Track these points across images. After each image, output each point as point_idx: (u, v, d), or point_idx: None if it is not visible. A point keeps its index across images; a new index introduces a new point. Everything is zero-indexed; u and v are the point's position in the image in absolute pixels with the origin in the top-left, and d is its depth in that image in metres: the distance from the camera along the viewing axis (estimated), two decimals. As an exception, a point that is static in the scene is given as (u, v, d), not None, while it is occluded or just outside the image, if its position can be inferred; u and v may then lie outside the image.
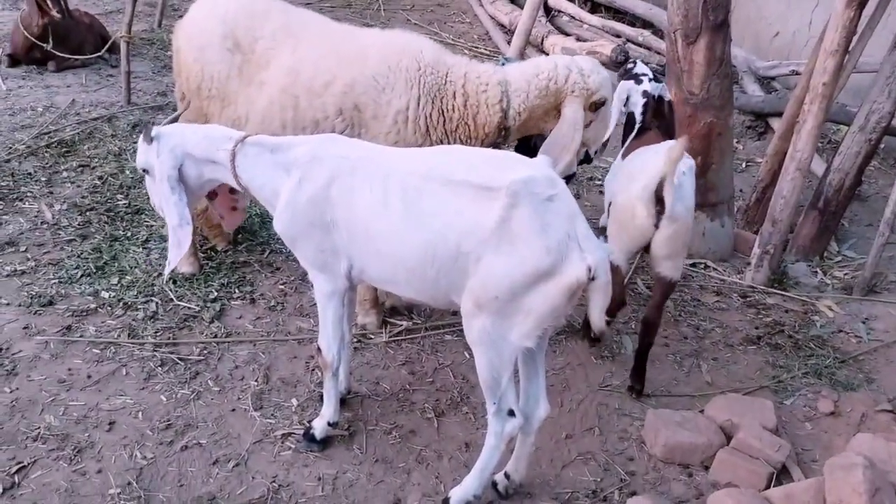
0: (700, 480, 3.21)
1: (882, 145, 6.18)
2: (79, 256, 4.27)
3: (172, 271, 4.16)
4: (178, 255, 2.97)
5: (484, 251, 2.55)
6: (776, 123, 6.10)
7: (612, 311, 3.53)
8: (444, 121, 3.58)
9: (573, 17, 9.53)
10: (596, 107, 3.66)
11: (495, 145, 3.70)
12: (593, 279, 2.50)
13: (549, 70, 3.58)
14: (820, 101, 4.43)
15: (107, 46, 7.02)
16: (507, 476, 3.05)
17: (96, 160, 5.37)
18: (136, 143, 5.61)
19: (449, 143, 3.60)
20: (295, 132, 3.55)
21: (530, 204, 2.49)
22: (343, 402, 3.42)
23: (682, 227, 3.39)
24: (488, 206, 2.52)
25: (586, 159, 3.89)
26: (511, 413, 2.81)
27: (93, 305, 3.91)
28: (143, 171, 3.08)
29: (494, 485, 3.06)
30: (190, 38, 3.78)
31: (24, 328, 3.71)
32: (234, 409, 3.39)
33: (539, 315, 2.56)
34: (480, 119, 3.58)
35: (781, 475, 3.19)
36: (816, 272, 4.93)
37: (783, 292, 4.66)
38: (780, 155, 4.99)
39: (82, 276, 4.12)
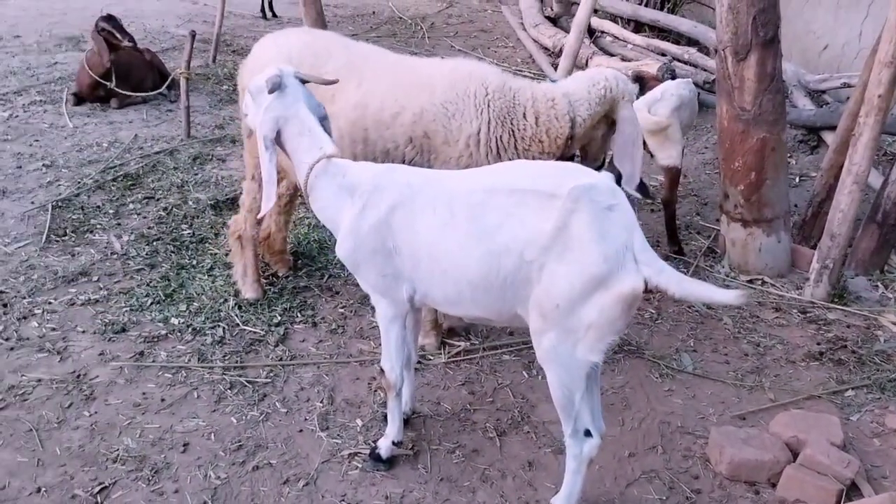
0: (767, 498, 3.18)
1: (941, 156, 6.09)
2: (148, 285, 4.44)
3: (237, 294, 4.33)
4: (266, 206, 3.03)
5: (546, 258, 2.59)
6: (829, 137, 6.04)
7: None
8: (516, 141, 3.71)
9: (617, 38, 9.59)
10: None
11: (566, 158, 3.84)
12: (651, 290, 2.53)
13: (602, 80, 3.79)
14: (876, 113, 4.39)
15: (167, 83, 7.30)
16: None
17: (160, 192, 5.58)
18: (196, 174, 5.87)
19: (522, 159, 3.72)
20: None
21: (590, 211, 2.53)
22: (406, 422, 3.48)
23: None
24: (549, 213, 2.57)
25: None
26: (588, 433, 2.83)
27: (163, 331, 4.06)
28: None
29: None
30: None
31: (100, 354, 3.87)
32: (301, 430, 3.48)
33: (599, 327, 2.58)
34: (553, 132, 3.73)
35: (851, 492, 3.14)
36: (877, 286, 4.85)
37: (844, 307, 4.60)
38: (835, 169, 4.95)
39: (152, 303, 4.28)
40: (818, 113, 6.93)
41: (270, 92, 2.99)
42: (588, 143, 4.02)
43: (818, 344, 4.25)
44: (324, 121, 3.11)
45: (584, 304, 2.57)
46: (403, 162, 3.66)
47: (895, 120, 6.07)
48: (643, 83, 5.72)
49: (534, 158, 3.75)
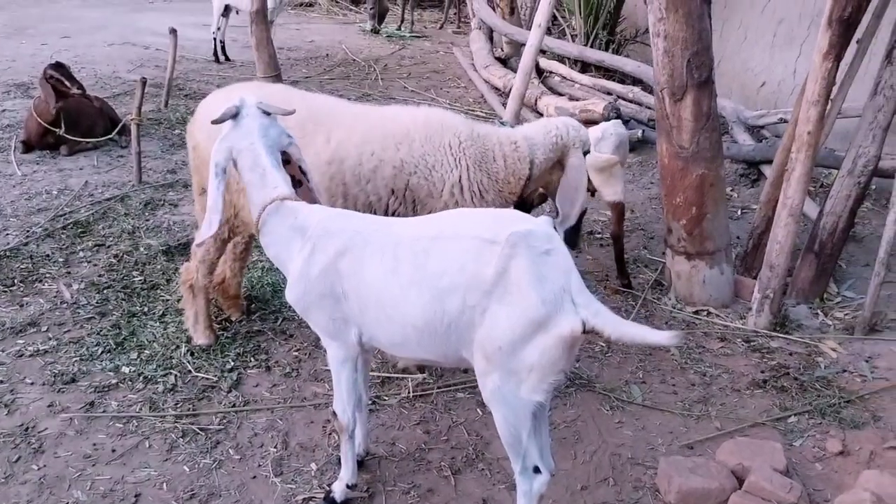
0: (715, 525, 3.27)
1: (873, 186, 6.36)
2: (98, 333, 4.40)
3: (189, 340, 4.30)
4: (205, 233, 3.03)
5: (488, 303, 2.65)
6: (768, 170, 6.27)
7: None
8: (493, 182, 3.97)
9: (565, 78, 9.87)
10: (584, 154, 4.28)
11: (521, 200, 4.14)
12: (589, 332, 2.59)
13: (554, 128, 4.13)
14: (806, 149, 4.60)
15: (117, 129, 7.28)
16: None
17: (111, 239, 5.55)
18: (148, 220, 5.85)
19: (499, 200, 3.98)
20: None
21: (528, 256, 2.60)
22: (361, 464, 3.50)
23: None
24: (489, 258, 2.64)
25: None
26: (536, 470, 2.87)
27: (114, 381, 4.02)
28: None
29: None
30: (210, 134, 3.72)
31: (49, 406, 3.81)
32: (255, 477, 3.46)
33: (541, 368, 2.64)
34: (517, 173, 4.01)
35: (795, 516, 3.24)
36: (817, 314, 5.03)
37: (786, 335, 4.76)
38: (772, 202, 5.15)
39: (103, 352, 4.23)
40: (757, 148, 7.21)
41: (222, 121, 3.03)
42: (546, 186, 4.29)
43: (762, 372, 4.39)
44: (290, 147, 3.14)
45: (526, 346, 2.63)
46: (386, 213, 3.76)
47: (828, 154, 6.36)
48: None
49: (505, 199, 4.00)
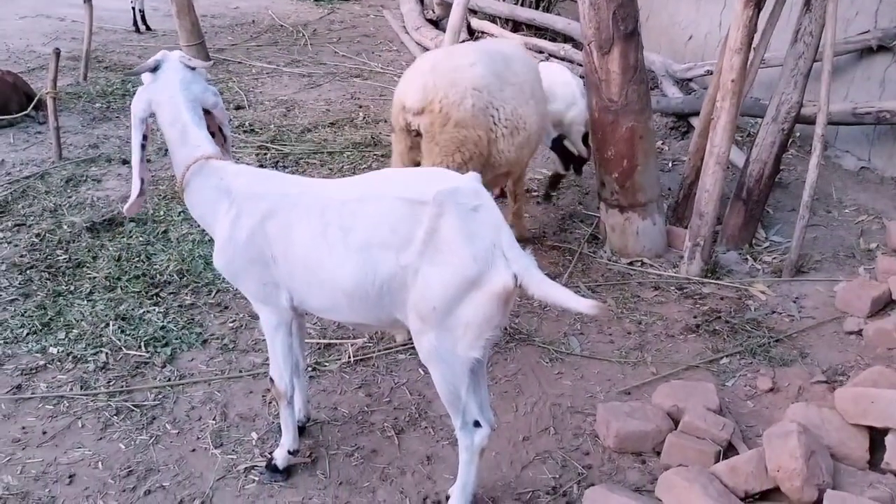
0: (653, 466, 3.35)
1: (797, 133, 6.54)
2: (23, 315, 4.23)
3: (118, 318, 4.17)
4: (132, 197, 3.00)
5: (420, 263, 2.63)
6: (696, 122, 6.37)
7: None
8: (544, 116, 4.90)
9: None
10: None
11: None
12: (520, 286, 2.59)
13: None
14: (731, 97, 4.68)
15: (33, 104, 6.96)
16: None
17: (32, 218, 5.33)
18: (70, 197, 5.63)
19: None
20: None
21: (456, 213, 2.58)
22: (303, 431, 3.47)
23: None
24: (418, 219, 2.61)
25: None
26: (477, 424, 2.88)
27: (42, 362, 3.89)
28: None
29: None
30: (475, 112, 4.18)
31: (-27, 392, 3.67)
32: (194, 450, 3.40)
33: (477, 325, 2.63)
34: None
35: (728, 452, 3.34)
36: (747, 259, 5.16)
37: (717, 281, 4.88)
38: (701, 151, 5.23)
39: (28, 334, 4.08)
40: (686, 100, 7.31)
41: (138, 73, 2.96)
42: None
43: (694, 317, 4.50)
44: (216, 107, 3.06)
45: (460, 304, 2.61)
46: (501, 116, 4.35)
47: (754, 102, 6.48)
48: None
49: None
